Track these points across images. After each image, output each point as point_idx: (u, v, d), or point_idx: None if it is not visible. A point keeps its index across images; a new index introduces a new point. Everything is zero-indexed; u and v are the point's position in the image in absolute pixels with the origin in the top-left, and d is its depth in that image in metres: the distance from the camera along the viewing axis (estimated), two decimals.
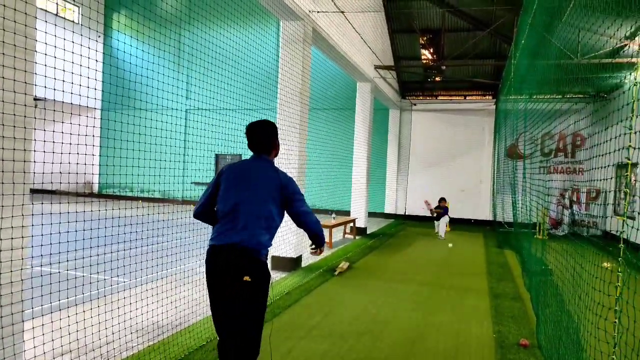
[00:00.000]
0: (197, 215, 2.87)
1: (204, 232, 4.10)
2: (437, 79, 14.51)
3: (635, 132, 1.91)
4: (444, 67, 12.73)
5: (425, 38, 13.38)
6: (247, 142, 2.93)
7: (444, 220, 11.93)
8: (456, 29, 12.81)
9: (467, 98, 14.88)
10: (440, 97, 15.25)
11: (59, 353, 3.55)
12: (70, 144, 4.10)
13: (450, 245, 10.98)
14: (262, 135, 2.89)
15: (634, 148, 1.92)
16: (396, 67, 13.56)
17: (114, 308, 4.40)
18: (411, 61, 14.21)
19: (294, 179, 7.19)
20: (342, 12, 8.67)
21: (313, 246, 2.99)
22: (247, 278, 2.56)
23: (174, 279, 5.83)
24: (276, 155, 3.01)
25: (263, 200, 2.72)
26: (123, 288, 5.40)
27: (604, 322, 2.31)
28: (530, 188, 6.81)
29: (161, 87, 11.98)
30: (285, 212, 2.85)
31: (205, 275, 2.74)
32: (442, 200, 12.42)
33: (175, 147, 13.15)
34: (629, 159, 1.95)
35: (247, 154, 3.00)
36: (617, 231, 11.93)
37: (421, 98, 15.41)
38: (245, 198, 2.71)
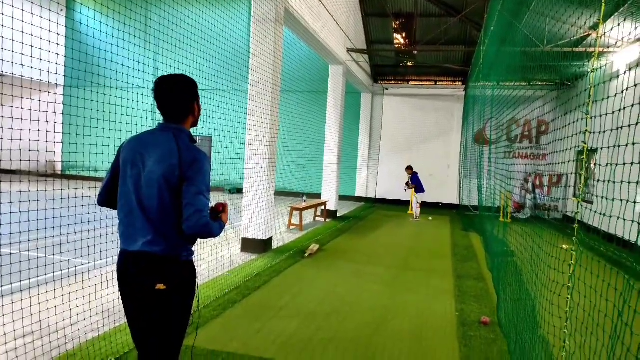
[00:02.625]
0: (101, 202, 2.35)
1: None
2: (409, 63, 14.61)
3: (592, 118, 2.00)
4: (415, 52, 12.81)
5: (397, 22, 13.40)
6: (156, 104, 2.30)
7: (416, 199, 12.22)
8: (428, 14, 12.88)
9: (437, 84, 15.06)
10: (411, 82, 15.38)
11: (20, 335, 3.47)
12: (31, 121, 3.94)
13: (430, 218, 11.31)
14: (172, 95, 2.22)
15: (591, 132, 2.00)
16: (369, 51, 13.55)
17: (77, 289, 4.31)
18: (384, 45, 14.23)
19: (265, 161, 7.21)
20: None
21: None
22: (161, 286, 2.10)
23: None
24: (195, 122, 2.34)
25: (158, 189, 2.10)
26: (88, 269, 5.29)
27: (557, 299, 2.44)
28: (495, 173, 6.99)
29: (128, 64, 11.60)
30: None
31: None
32: (409, 168, 12.69)
33: (142, 126, 12.84)
34: (585, 143, 2.04)
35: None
36: (572, 212, 12.48)
37: (393, 82, 15.50)
38: (140, 185, 2.14)
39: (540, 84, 12.61)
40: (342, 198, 15.26)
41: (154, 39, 14.89)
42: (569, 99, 12.15)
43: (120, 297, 2.29)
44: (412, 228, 10.88)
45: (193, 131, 2.37)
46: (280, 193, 14.40)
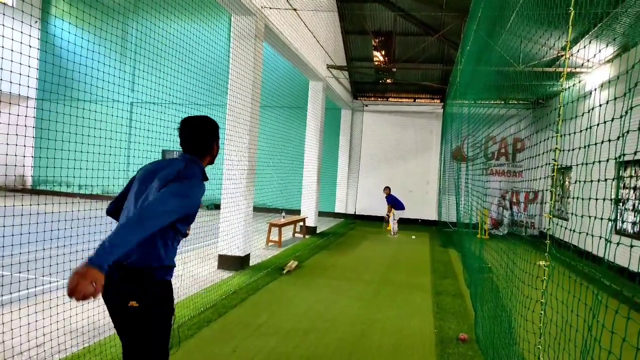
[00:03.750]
0: (109, 212, 2.48)
1: None
2: (389, 80, 14.85)
3: (562, 136, 2.07)
4: (394, 70, 13.03)
5: (377, 40, 13.65)
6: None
7: (393, 216, 12.31)
8: (407, 33, 13.17)
9: (416, 101, 15.32)
10: (391, 99, 15.60)
11: None
12: (0, 134, 3.86)
13: (413, 237, 11.40)
14: (195, 133, 2.36)
15: (561, 150, 2.07)
16: (348, 68, 13.74)
17: (44, 309, 4.17)
18: (363, 62, 14.46)
19: (244, 176, 7.18)
20: (295, 9, 8.68)
21: None
22: (133, 303, 2.10)
23: None
24: (212, 161, 2.47)
25: (144, 199, 2.21)
26: (56, 288, 5.14)
27: (531, 315, 2.47)
28: (472, 189, 7.10)
29: (104, 78, 11.47)
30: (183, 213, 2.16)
31: None
32: (386, 188, 12.85)
33: (118, 140, 12.65)
34: (555, 160, 2.10)
35: None
36: (545, 228, 12.74)
37: (373, 99, 15.70)
38: (140, 200, 2.23)
39: (515, 102, 12.96)
40: (321, 214, 15.26)
41: (132, 53, 14.79)
42: (541, 117, 12.53)
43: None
44: (391, 244, 10.92)
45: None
46: (258, 209, 14.33)
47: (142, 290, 2.13)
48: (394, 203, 12.52)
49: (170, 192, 2.04)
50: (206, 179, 2.36)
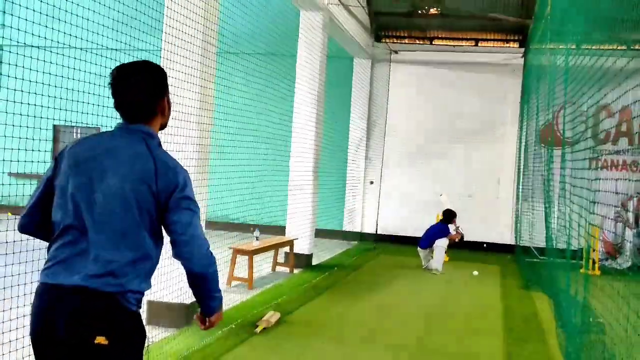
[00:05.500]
0: (24, 227, 2.82)
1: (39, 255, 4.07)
2: (433, 11, 14.74)
3: None
4: None
5: None
6: (112, 100, 2.82)
7: (442, 243, 12.17)
8: None
9: (479, 45, 15.26)
10: (437, 42, 15.55)
11: None
12: None
13: (474, 272, 11.35)
14: (138, 89, 2.78)
15: None
16: None
17: None
18: None
19: (190, 169, 7.07)
20: None
21: (198, 309, 3.02)
22: (101, 340, 2.50)
23: None
24: (164, 123, 2.98)
25: (123, 205, 2.63)
26: None
27: None
28: (571, 193, 7.02)
29: None
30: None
31: (30, 332, 2.63)
32: (451, 214, 12.61)
33: None
34: None
35: (112, 125, 2.94)
36: None
37: (406, 42, 15.66)
38: (95, 202, 2.62)
39: None
40: (320, 234, 15.14)
41: None
42: None
43: (32, 352, 2.65)
44: (436, 284, 10.91)
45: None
46: (215, 224, 14.19)
47: (112, 321, 2.55)
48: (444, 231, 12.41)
49: (196, 233, 2.79)
50: (161, 147, 2.87)
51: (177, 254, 2.76)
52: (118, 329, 2.55)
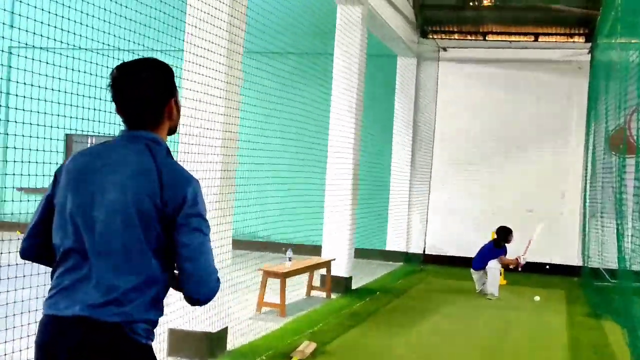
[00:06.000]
0: (24, 252, 2.78)
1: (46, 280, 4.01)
2: (486, 2, 14.75)
3: None
4: None
5: None
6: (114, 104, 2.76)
7: (496, 265, 12.20)
8: None
9: (539, 40, 15.13)
10: (490, 37, 15.45)
11: None
12: None
13: (536, 298, 11.34)
14: (142, 88, 2.67)
15: None
16: None
17: None
18: None
19: (215, 182, 7.15)
20: None
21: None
22: None
23: None
24: (173, 128, 2.88)
25: (126, 223, 2.54)
26: None
27: None
28: None
29: None
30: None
31: None
32: (506, 231, 12.71)
33: None
34: None
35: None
36: None
37: (457, 37, 15.60)
38: (96, 221, 2.56)
39: None
40: (360, 254, 15.19)
41: None
42: None
43: None
44: (492, 311, 10.87)
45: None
46: (242, 243, 14.28)
47: (118, 356, 2.48)
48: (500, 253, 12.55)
49: (204, 252, 2.62)
50: (171, 156, 2.75)
51: (180, 282, 2.64)
52: None
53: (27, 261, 2.86)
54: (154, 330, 2.64)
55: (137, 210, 2.51)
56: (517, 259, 12.62)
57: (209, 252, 2.65)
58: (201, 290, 2.62)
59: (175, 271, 2.65)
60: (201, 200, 2.68)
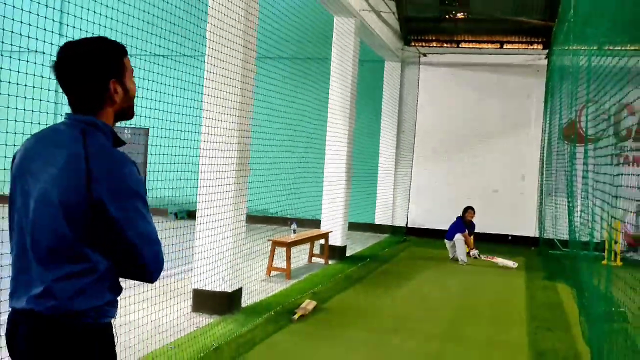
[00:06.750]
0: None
1: None
2: (460, 15, 14.66)
3: None
4: None
5: None
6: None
7: (461, 238, 12.21)
8: None
9: (504, 47, 15.16)
10: (464, 45, 15.47)
11: None
12: None
13: (498, 263, 11.73)
14: (74, 69, 2.25)
15: None
16: None
17: None
18: None
19: (231, 168, 7.15)
20: None
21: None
22: None
23: None
24: (121, 111, 2.38)
25: (51, 215, 2.15)
26: None
27: None
28: (594, 188, 6.95)
29: (21, 19, 11.62)
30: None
31: None
32: (469, 210, 12.70)
33: (41, 112, 12.77)
34: None
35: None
36: None
37: (435, 45, 15.61)
38: (29, 213, 2.20)
39: None
40: (353, 227, 15.17)
41: None
42: None
43: None
44: (463, 274, 10.88)
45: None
46: (255, 218, 14.30)
47: (61, 346, 2.16)
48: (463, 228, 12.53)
49: (141, 229, 2.17)
50: (120, 142, 2.31)
51: (124, 269, 2.27)
52: (68, 354, 2.18)
53: None
54: (109, 310, 2.26)
55: (64, 201, 2.12)
56: (473, 247, 12.74)
57: (151, 232, 2.21)
58: (147, 272, 2.23)
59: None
60: (135, 180, 2.18)
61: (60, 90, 2.34)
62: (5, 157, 2.82)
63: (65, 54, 2.24)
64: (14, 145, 2.45)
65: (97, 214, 2.12)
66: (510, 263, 11.91)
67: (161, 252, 2.25)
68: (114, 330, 2.34)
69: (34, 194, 2.19)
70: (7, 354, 2.32)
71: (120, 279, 2.32)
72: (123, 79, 2.32)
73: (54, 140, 2.24)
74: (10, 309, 2.25)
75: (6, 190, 2.39)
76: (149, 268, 2.21)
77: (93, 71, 2.25)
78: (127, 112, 2.39)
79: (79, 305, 2.15)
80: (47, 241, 2.15)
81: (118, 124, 2.40)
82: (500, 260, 12.10)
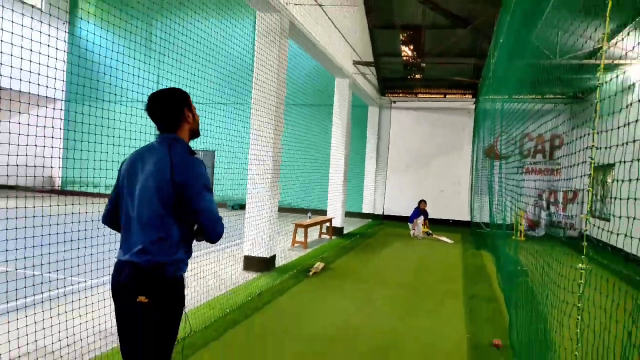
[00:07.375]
0: (104, 220, 2.47)
1: None
2: (417, 76, 14.71)
3: (598, 133, 2.03)
4: (423, 65, 12.89)
5: (405, 35, 13.54)
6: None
7: (419, 220, 12.20)
8: (436, 26, 13.01)
9: (447, 96, 15.13)
10: (420, 95, 15.45)
11: (15, 355, 3.50)
12: (29, 136, 4.03)
13: (450, 241, 11.49)
14: (162, 106, 2.37)
15: (598, 148, 2.03)
16: (376, 64, 13.68)
17: (74, 308, 4.34)
18: (391, 57, 14.36)
19: (268, 176, 7.25)
20: (320, 5, 8.71)
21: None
22: (142, 299, 2.19)
23: None
24: (194, 132, 2.48)
25: (149, 198, 2.24)
26: (84, 288, 5.33)
27: (568, 320, 2.43)
28: (505, 189, 6.98)
29: (129, 79, 11.77)
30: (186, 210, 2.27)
31: (111, 290, 2.38)
32: (422, 202, 12.69)
33: (143, 141, 12.94)
34: (592, 159, 2.06)
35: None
36: (581, 230, 12.36)
37: (401, 95, 15.60)
38: (134, 197, 2.29)
39: (552, 96, 12.63)
40: (348, 214, 15.24)
41: (157, 53, 15.15)
42: (580, 112, 12.16)
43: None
44: (421, 247, 10.84)
45: (198, 145, 2.57)
46: (284, 209, 14.43)
47: (151, 286, 2.21)
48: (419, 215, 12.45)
49: (205, 206, 2.22)
50: (193, 152, 2.36)
51: (199, 231, 2.30)
52: (155, 292, 2.21)
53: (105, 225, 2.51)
54: (183, 266, 2.32)
55: (157, 188, 2.21)
56: (427, 228, 12.50)
57: (214, 210, 2.26)
58: (212, 237, 2.27)
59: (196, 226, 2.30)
60: (204, 177, 2.27)
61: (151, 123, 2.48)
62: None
63: (155, 96, 2.37)
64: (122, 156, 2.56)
65: (177, 195, 2.21)
66: (449, 240, 11.85)
67: (220, 223, 2.27)
68: (184, 281, 2.38)
69: (138, 184, 2.28)
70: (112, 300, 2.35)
71: (193, 244, 2.41)
72: (191, 108, 2.44)
73: (150, 149, 2.34)
74: (116, 260, 2.32)
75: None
76: (212, 232, 2.25)
77: (174, 104, 2.38)
78: (196, 131, 2.48)
79: (163, 259, 2.22)
80: (146, 215, 2.23)
81: (195, 147, 2.47)
82: (443, 238, 12.09)
